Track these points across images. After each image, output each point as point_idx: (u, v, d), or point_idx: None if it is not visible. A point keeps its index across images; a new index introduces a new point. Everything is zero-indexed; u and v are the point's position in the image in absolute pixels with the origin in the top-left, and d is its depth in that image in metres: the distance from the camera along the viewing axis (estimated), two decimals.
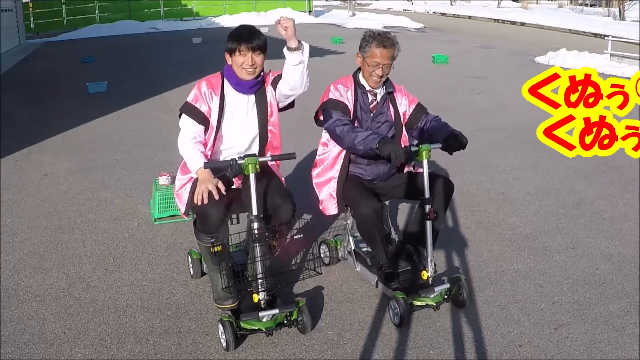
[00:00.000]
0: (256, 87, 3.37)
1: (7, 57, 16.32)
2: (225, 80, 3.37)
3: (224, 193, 3.09)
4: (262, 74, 3.38)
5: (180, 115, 3.36)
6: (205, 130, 3.33)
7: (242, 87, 3.34)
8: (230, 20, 27.78)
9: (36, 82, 12.23)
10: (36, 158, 6.59)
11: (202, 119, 3.30)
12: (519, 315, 3.36)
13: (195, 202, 3.10)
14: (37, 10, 25.82)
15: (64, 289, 3.68)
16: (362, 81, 3.57)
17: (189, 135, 3.28)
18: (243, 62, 3.25)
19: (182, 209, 3.40)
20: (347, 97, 3.50)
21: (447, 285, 3.33)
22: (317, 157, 3.70)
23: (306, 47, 3.25)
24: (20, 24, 20.91)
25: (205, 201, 3.06)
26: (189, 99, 3.34)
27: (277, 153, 3.46)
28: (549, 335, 3.18)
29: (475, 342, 3.11)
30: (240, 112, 3.38)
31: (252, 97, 3.39)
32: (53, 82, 12.07)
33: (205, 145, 3.32)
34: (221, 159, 3.39)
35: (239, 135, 3.39)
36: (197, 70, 12.19)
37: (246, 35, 3.25)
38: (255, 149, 3.41)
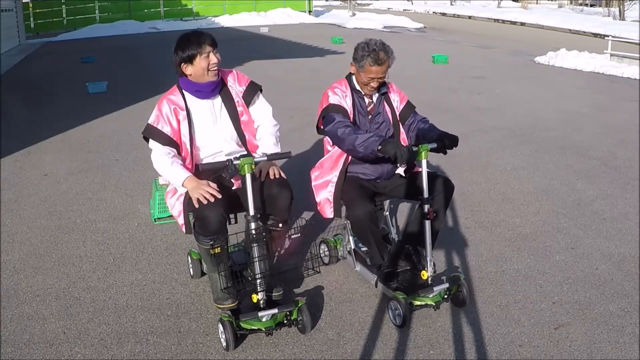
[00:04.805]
0: (217, 88, 3.33)
1: (7, 57, 16.32)
2: (184, 92, 3.31)
3: (219, 196, 3.08)
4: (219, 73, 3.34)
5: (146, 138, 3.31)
6: (176, 148, 3.26)
7: (203, 92, 3.29)
8: (230, 20, 27.79)
9: (36, 82, 12.22)
10: (36, 158, 6.58)
11: (165, 139, 3.23)
12: (519, 315, 3.36)
13: (197, 206, 3.09)
14: (37, 10, 25.85)
15: (64, 289, 3.68)
16: (357, 87, 3.57)
17: (161, 152, 3.22)
18: (209, 64, 3.21)
19: (179, 220, 3.30)
20: (345, 102, 3.51)
21: (446, 285, 3.33)
22: (319, 160, 3.70)
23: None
24: (20, 24, 20.91)
25: (212, 199, 3.05)
26: (151, 120, 3.28)
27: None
28: (549, 335, 3.18)
29: (475, 342, 3.11)
30: (209, 118, 3.33)
31: (218, 100, 3.35)
32: (53, 82, 12.07)
33: (184, 159, 3.28)
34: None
35: (217, 141, 3.35)
36: None
37: (200, 38, 3.20)
38: (239, 150, 3.38)
